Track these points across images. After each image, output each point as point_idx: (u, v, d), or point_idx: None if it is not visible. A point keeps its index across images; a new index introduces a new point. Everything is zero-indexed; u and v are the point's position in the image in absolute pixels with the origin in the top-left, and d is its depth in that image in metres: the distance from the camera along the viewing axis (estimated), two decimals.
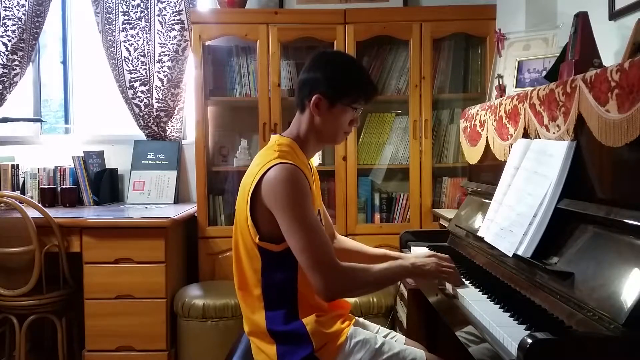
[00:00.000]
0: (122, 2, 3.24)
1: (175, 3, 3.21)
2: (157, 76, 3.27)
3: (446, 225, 2.49)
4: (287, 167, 1.47)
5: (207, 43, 3.03)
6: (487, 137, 2.10)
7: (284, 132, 1.66)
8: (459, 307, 1.51)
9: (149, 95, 3.28)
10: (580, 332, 1.19)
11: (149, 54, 3.27)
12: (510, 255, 1.54)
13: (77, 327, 2.85)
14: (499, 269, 1.69)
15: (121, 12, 3.25)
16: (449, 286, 1.64)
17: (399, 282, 2.45)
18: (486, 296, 1.49)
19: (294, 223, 1.42)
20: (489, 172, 2.17)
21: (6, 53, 3.21)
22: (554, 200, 1.47)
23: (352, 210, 3.00)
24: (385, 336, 1.67)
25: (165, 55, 3.25)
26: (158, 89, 3.27)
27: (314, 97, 1.56)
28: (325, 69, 1.59)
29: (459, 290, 1.57)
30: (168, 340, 2.69)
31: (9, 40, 3.21)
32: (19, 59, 3.25)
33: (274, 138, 1.62)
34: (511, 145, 1.84)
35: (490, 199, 1.85)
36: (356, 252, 1.89)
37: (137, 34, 3.26)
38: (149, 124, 3.31)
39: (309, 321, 1.50)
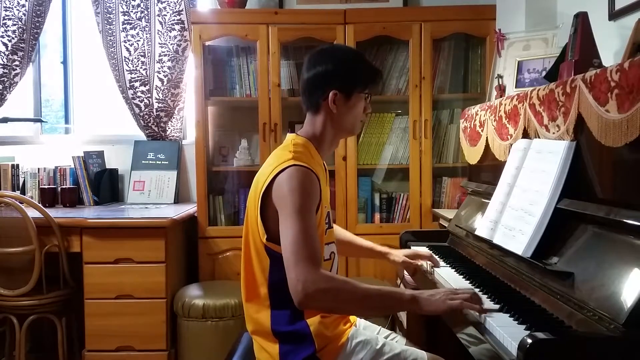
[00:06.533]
0: (122, 2, 3.24)
1: (175, 3, 3.21)
2: (157, 76, 3.27)
3: (446, 225, 2.49)
4: (301, 170, 1.46)
5: (207, 43, 3.03)
6: (487, 137, 2.10)
7: (300, 131, 1.64)
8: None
9: (149, 95, 3.28)
10: (580, 332, 1.19)
11: (149, 54, 3.27)
12: (523, 255, 1.49)
13: (77, 327, 2.84)
14: (499, 269, 1.69)
15: (121, 12, 3.25)
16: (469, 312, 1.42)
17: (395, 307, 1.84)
18: (486, 296, 1.49)
19: (291, 221, 1.41)
20: (488, 172, 2.17)
21: (6, 53, 3.21)
22: (553, 200, 1.47)
23: (352, 210, 3.00)
24: (386, 337, 1.67)
25: (165, 55, 3.25)
26: (158, 89, 3.27)
27: (330, 94, 1.55)
28: (332, 64, 1.57)
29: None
30: (168, 340, 2.69)
31: (9, 41, 3.21)
32: (19, 59, 3.25)
33: (290, 137, 1.61)
34: (511, 145, 1.84)
35: (490, 199, 1.85)
36: (345, 242, 1.93)
37: (137, 34, 3.26)
38: (149, 124, 3.31)
39: (313, 322, 1.50)
